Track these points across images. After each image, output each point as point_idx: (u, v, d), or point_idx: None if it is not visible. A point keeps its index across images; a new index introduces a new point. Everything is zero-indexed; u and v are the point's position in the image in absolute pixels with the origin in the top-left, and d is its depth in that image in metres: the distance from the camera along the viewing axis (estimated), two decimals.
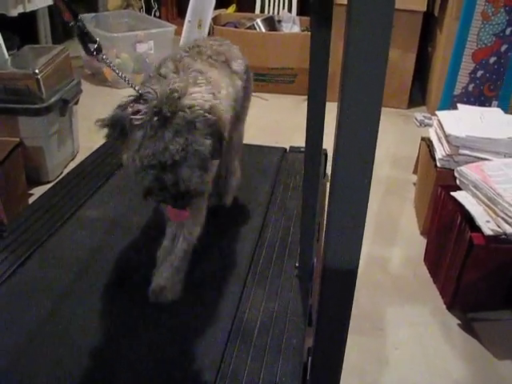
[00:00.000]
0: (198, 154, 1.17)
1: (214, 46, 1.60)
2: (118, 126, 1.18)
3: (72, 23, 1.24)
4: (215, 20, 3.87)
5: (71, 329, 1.34)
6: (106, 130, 1.20)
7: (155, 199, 1.24)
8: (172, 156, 1.13)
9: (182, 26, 3.49)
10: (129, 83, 1.23)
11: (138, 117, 1.14)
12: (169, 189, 1.17)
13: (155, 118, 1.12)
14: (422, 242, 2.08)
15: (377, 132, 0.64)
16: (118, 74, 1.28)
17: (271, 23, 3.89)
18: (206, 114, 1.17)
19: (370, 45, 0.60)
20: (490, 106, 2.98)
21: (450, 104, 2.99)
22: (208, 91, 1.25)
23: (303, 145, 1.46)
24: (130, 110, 1.16)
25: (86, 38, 1.25)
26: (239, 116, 1.69)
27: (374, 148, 0.66)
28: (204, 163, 1.19)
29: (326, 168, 2.32)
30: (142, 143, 1.14)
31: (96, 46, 1.25)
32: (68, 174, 2.19)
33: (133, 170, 1.20)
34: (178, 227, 1.47)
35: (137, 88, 1.20)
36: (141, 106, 1.15)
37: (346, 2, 0.63)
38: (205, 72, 1.36)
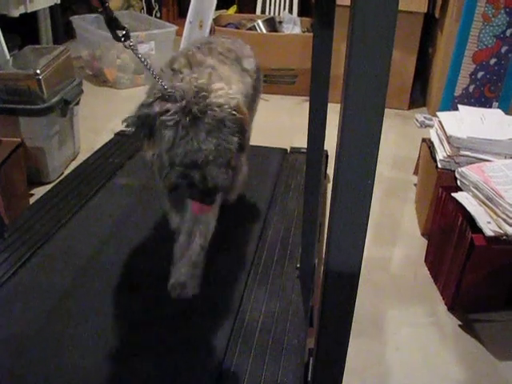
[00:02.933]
0: (227, 152, 1.18)
1: (226, 43, 1.60)
2: (145, 126, 1.18)
3: (100, 9, 1.23)
4: (216, 21, 3.87)
5: (72, 330, 1.34)
6: (133, 130, 1.20)
7: (182, 195, 1.25)
8: (206, 156, 1.14)
9: (183, 26, 3.48)
10: (155, 77, 1.22)
11: (169, 117, 1.14)
12: (197, 185, 1.18)
13: (186, 118, 1.13)
14: (423, 243, 2.08)
15: (380, 133, 0.64)
16: (145, 65, 1.25)
17: (272, 24, 3.89)
18: (234, 112, 1.18)
19: (374, 46, 0.60)
20: (490, 107, 2.98)
21: (450, 105, 2.99)
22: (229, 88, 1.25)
23: (304, 146, 1.46)
24: (156, 108, 1.16)
25: (113, 24, 1.24)
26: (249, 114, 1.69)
27: (377, 149, 0.66)
28: (231, 160, 1.21)
29: (326, 169, 2.33)
30: (173, 143, 1.14)
31: (124, 32, 1.25)
32: (69, 174, 2.19)
33: (158, 166, 1.21)
34: (194, 223, 1.48)
35: (163, 84, 1.20)
36: (169, 105, 1.15)
37: (348, 3, 0.63)
38: (217, 68, 1.36)
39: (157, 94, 1.18)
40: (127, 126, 1.20)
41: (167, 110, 1.14)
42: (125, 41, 1.25)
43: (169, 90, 1.17)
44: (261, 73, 1.75)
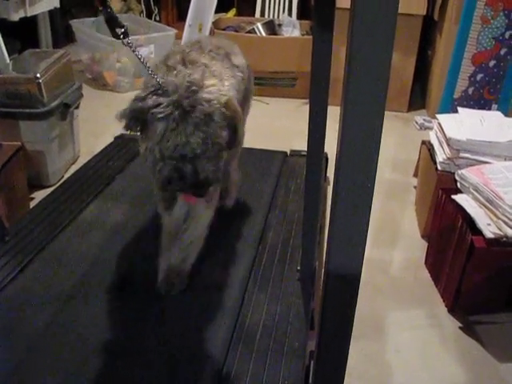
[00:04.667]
0: (215, 146, 1.22)
1: (214, 41, 1.64)
2: (139, 119, 1.22)
3: (101, 8, 1.28)
4: (215, 24, 3.88)
5: (73, 334, 1.34)
6: (125, 122, 1.24)
7: (174, 188, 1.28)
8: (193, 149, 1.18)
9: (183, 29, 3.49)
10: (151, 72, 1.25)
11: (160, 110, 1.18)
12: (188, 178, 1.22)
13: (176, 112, 1.17)
14: (423, 245, 2.09)
15: (380, 135, 0.65)
16: (141, 61, 1.28)
17: (271, 27, 3.90)
18: (223, 108, 1.22)
19: (373, 48, 0.61)
20: (489, 109, 2.98)
21: (450, 107, 2.99)
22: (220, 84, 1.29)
23: (304, 148, 1.46)
24: (150, 102, 1.20)
25: (112, 23, 1.27)
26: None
27: (378, 151, 0.66)
28: (220, 154, 1.25)
29: (326, 171, 2.33)
30: (163, 135, 1.18)
31: (123, 30, 1.27)
32: (69, 178, 2.19)
33: (151, 160, 1.25)
34: (190, 210, 1.52)
35: (158, 79, 1.23)
36: (161, 99, 1.18)
37: (347, 6, 0.63)
38: (209, 66, 1.38)
39: (150, 89, 1.22)
40: (121, 119, 1.24)
41: (159, 104, 1.18)
42: (123, 38, 1.28)
43: (162, 85, 1.20)
44: (251, 71, 1.77)
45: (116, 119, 1.24)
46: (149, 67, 1.27)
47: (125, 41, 1.28)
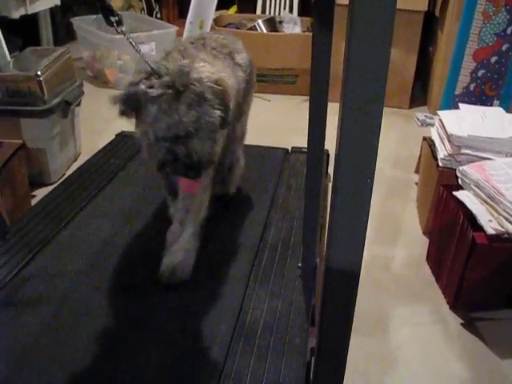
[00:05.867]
0: (208, 125, 1.23)
1: (219, 39, 1.64)
2: (132, 102, 1.24)
3: None
4: (216, 21, 3.88)
5: (74, 332, 1.34)
6: (120, 107, 1.26)
7: (169, 170, 1.30)
8: (186, 128, 1.20)
9: (184, 27, 3.49)
10: (143, 57, 1.27)
11: (153, 91, 1.19)
12: (182, 160, 1.23)
13: (169, 92, 1.18)
14: (425, 242, 2.08)
15: (379, 131, 0.64)
16: (134, 47, 1.31)
17: (272, 24, 3.90)
18: (214, 85, 1.23)
19: (372, 44, 0.60)
20: (491, 105, 2.98)
21: (451, 103, 2.99)
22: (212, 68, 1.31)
23: (305, 145, 1.46)
24: (143, 86, 1.22)
25: (107, 11, 1.31)
26: (242, 108, 1.71)
27: (377, 147, 0.66)
28: (213, 134, 1.26)
29: (327, 168, 2.33)
30: (156, 116, 1.20)
31: (117, 18, 1.32)
32: (70, 175, 2.19)
33: (146, 143, 1.28)
34: (185, 211, 1.53)
35: (150, 63, 1.25)
36: (154, 81, 1.21)
37: (347, 3, 0.63)
38: (210, 62, 1.39)
39: (143, 74, 1.24)
40: (115, 104, 1.26)
41: (152, 86, 1.20)
42: (117, 26, 1.32)
43: (154, 69, 1.22)
44: (254, 67, 1.79)
45: (110, 103, 1.27)
46: (142, 53, 1.29)
47: (119, 29, 1.31)
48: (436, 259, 1.94)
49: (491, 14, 2.81)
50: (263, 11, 4.31)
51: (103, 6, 1.31)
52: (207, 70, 1.27)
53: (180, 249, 1.51)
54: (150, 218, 1.83)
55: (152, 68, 1.23)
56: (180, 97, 1.19)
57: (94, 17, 3.89)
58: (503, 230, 1.57)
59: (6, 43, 2.55)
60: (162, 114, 1.19)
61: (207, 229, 1.59)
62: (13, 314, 1.39)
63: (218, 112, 1.25)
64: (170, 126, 1.20)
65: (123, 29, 1.32)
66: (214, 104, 1.23)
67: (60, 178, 2.43)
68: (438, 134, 2.16)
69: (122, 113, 1.27)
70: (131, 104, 1.24)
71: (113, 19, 1.32)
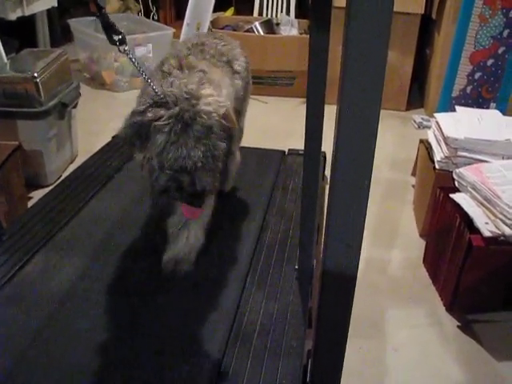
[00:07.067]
0: (215, 158, 1.22)
1: (218, 45, 1.62)
2: (140, 133, 1.21)
3: (98, 14, 1.26)
4: (213, 23, 3.88)
5: (71, 334, 1.33)
6: (127, 139, 1.23)
7: (171, 198, 1.29)
8: (194, 163, 1.18)
9: (181, 28, 3.49)
10: (148, 82, 1.25)
11: (162, 123, 1.17)
12: (185, 189, 1.22)
13: (178, 125, 1.16)
14: (421, 244, 2.09)
15: (376, 133, 0.65)
16: (138, 69, 1.28)
17: (269, 26, 3.90)
18: (222, 120, 1.22)
19: (369, 46, 0.61)
20: (487, 107, 2.99)
21: (448, 106, 3.00)
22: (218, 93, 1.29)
23: (302, 147, 1.46)
24: (149, 115, 1.19)
25: (110, 29, 1.28)
26: (239, 111, 1.71)
27: (374, 149, 0.66)
28: (218, 164, 1.26)
29: (324, 170, 2.33)
30: (164, 148, 1.18)
31: (120, 36, 1.28)
32: (67, 177, 2.18)
33: (148, 169, 1.25)
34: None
35: (155, 89, 1.22)
36: (162, 112, 1.18)
37: (344, 5, 0.63)
38: (208, 72, 1.38)
39: (149, 101, 1.21)
40: (121, 136, 1.23)
41: (160, 117, 1.18)
42: (120, 45, 1.28)
43: (161, 97, 1.20)
44: (250, 71, 1.78)
45: (119, 135, 1.23)
46: (146, 76, 1.26)
47: (121, 48, 1.28)
48: (433, 261, 1.94)
49: (488, 16, 2.82)
50: (260, 13, 4.31)
51: (106, 23, 1.27)
52: (215, 100, 1.24)
53: (183, 240, 1.51)
54: (146, 219, 1.83)
55: (160, 98, 1.20)
56: (188, 129, 1.17)
57: (91, 19, 3.88)
58: (499, 232, 1.58)
59: (3, 45, 2.54)
60: (170, 146, 1.17)
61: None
62: (8, 316, 1.38)
63: (224, 144, 1.24)
64: (177, 159, 1.18)
65: (126, 48, 1.28)
66: (220, 137, 1.22)
67: (56, 180, 2.43)
68: (435, 136, 2.17)
69: (130, 144, 1.25)
70: (141, 136, 1.22)
71: (116, 38, 1.28)
